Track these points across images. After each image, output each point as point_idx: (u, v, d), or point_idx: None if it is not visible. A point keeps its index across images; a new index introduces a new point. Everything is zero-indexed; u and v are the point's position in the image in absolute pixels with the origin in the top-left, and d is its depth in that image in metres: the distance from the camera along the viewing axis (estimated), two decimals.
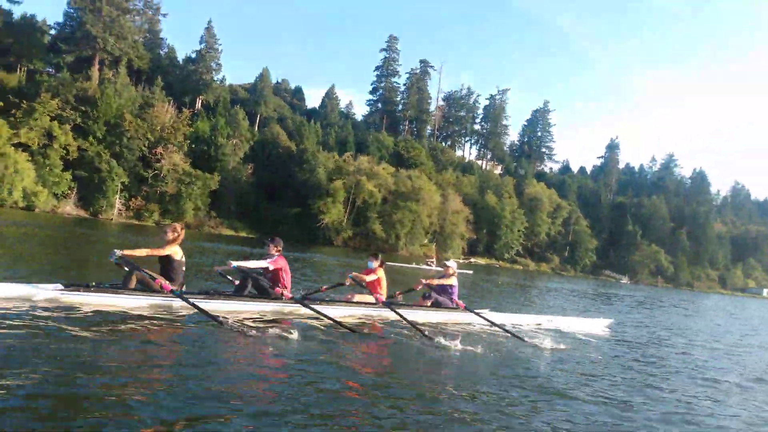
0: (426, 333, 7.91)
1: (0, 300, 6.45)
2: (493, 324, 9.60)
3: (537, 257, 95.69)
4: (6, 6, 75.90)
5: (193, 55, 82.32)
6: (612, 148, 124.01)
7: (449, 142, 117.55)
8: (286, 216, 69.24)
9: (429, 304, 10.31)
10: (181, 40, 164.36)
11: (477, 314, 9.99)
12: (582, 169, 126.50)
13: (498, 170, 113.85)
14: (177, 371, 4.81)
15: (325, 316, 7.76)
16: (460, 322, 10.11)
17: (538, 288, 33.34)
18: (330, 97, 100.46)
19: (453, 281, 10.46)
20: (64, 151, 57.20)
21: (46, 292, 6.76)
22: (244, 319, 7.38)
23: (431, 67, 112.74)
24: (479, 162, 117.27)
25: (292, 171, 72.76)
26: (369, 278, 9.47)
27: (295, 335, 6.60)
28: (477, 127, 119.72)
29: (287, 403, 4.21)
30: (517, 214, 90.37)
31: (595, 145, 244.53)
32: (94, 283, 7.18)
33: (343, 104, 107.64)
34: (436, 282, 10.36)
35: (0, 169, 48.08)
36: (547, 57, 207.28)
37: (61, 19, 76.48)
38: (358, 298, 9.78)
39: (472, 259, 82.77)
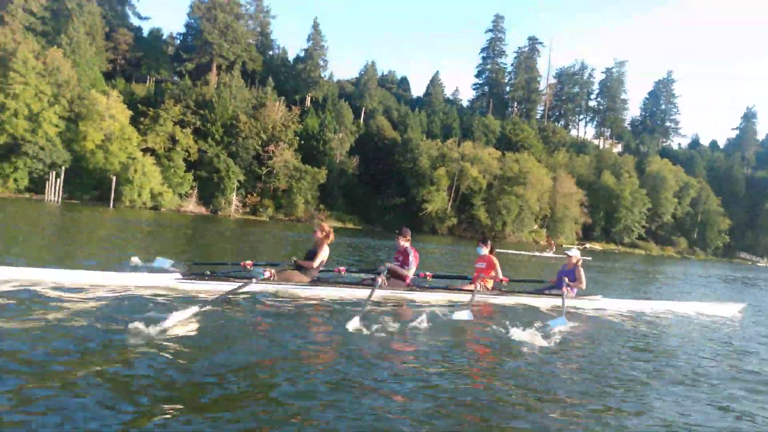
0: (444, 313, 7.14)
1: (119, 287, 7.03)
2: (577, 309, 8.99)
3: (661, 240, 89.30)
4: (136, 23, 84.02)
5: (302, 54, 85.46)
6: (748, 117, 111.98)
7: (562, 122, 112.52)
8: (390, 206, 70.48)
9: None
10: (288, 40, 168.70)
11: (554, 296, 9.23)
12: (713, 143, 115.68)
13: (618, 148, 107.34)
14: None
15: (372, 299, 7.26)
16: (547, 307, 9.26)
17: (661, 273, 30.69)
18: (434, 84, 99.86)
19: (583, 273, 9.89)
20: (186, 153, 62.25)
21: (165, 280, 7.36)
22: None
23: (540, 43, 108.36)
24: (596, 141, 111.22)
25: (396, 161, 73.77)
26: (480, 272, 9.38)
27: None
28: (592, 103, 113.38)
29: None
30: (638, 195, 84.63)
31: (728, 116, 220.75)
32: (208, 272, 7.74)
33: (449, 91, 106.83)
34: (575, 284, 9.73)
35: (130, 172, 53.37)
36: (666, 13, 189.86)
37: (182, 30, 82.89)
38: (470, 286, 9.26)
39: (587, 245, 79.16)
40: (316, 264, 8.04)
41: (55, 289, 6.53)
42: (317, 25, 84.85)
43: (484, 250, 9.51)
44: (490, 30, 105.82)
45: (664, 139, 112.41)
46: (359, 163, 73.82)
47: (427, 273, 9.64)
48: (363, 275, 9.34)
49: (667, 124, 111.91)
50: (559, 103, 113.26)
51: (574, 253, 10.04)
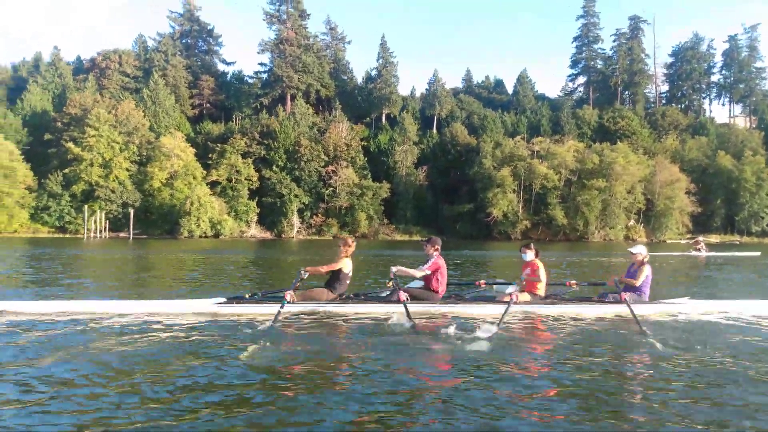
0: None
1: (168, 315, 7.45)
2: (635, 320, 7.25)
3: None
4: (223, 68, 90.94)
5: (374, 73, 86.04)
6: None
7: (685, 103, 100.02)
8: (460, 214, 67.49)
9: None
10: (364, 59, 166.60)
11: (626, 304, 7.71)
12: None
13: (754, 124, 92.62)
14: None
15: (407, 314, 7.12)
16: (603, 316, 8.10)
17: None
18: (522, 82, 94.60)
19: (645, 273, 8.60)
20: (249, 182, 65.35)
21: (206, 306, 7.66)
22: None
23: (643, 21, 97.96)
24: (730, 119, 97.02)
25: (466, 167, 70.91)
26: (529, 279, 8.62)
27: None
28: (717, 78, 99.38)
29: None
30: (765, 174, 71.87)
31: None
32: (247, 296, 7.97)
33: (550, 88, 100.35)
34: (628, 280, 8.64)
35: (187, 205, 57.14)
36: None
37: (259, 68, 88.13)
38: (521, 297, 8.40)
39: (701, 237, 68.32)
40: (323, 270, 8.04)
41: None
42: (384, 43, 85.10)
43: (530, 255, 8.77)
44: (582, 16, 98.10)
45: None
46: (430, 172, 72.00)
47: (572, 281, 9.13)
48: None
49: None
50: (678, 82, 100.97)
51: (639, 249, 8.88)
